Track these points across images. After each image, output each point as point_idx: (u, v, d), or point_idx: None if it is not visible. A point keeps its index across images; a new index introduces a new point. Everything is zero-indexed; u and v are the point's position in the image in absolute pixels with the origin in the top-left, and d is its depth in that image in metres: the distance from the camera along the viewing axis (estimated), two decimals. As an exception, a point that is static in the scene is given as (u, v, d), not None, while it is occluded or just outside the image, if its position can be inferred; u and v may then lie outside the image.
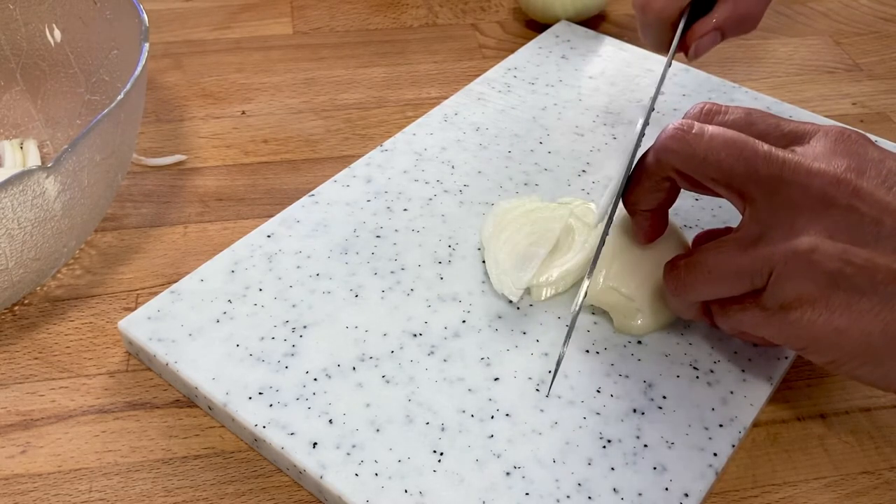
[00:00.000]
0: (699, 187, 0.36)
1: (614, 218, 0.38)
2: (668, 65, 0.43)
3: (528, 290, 0.41)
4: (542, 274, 0.41)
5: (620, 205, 0.38)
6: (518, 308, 0.41)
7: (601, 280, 0.39)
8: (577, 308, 0.38)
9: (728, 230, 0.39)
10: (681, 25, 0.45)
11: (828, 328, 0.31)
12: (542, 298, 0.41)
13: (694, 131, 0.34)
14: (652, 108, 0.40)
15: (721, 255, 0.34)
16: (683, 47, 0.46)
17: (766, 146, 0.33)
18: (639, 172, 0.37)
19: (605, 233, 0.38)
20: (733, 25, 0.46)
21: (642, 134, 0.38)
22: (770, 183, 0.32)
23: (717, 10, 0.45)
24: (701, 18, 0.46)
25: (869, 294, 0.31)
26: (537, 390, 0.37)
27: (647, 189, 0.37)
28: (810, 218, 0.32)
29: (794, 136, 0.34)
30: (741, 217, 0.34)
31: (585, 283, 0.38)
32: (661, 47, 0.48)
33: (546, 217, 0.43)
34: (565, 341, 0.37)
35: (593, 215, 0.44)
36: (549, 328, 0.40)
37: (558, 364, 0.37)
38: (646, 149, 0.37)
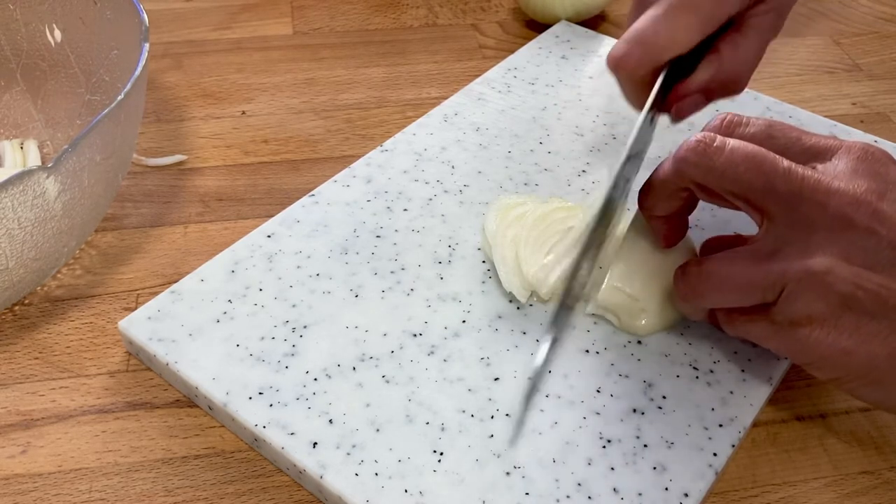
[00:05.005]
0: (717, 199, 0.35)
1: (620, 218, 0.38)
2: (647, 123, 0.39)
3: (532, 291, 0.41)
4: (546, 273, 0.41)
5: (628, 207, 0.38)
6: (518, 308, 0.41)
7: (606, 280, 0.39)
8: (543, 361, 0.32)
9: (738, 238, 0.39)
10: (657, 85, 0.40)
11: (835, 348, 0.32)
12: (547, 299, 0.41)
13: (715, 145, 0.34)
14: (627, 159, 0.37)
15: (734, 267, 0.34)
16: (666, 108, 0.42)
17: (786, 162, 0.33)
18: (657, 180, 0.37)
19: (590, 240, 0.37)
20: (717, 88, 0.41)
21: (613, 186, 0.36)
22: (788, 200, 0.32)
23: (700, 71, 0.41)
24: (683, 80, 0.41)
25: (879, 318, 0.31)
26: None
27: (664, 197, 0.37)
28: (827, 237, 0.31)
29: (815, 152, 0.34)
30: (757, 229, 0.34)
31: (546, 345, 0.32)
32: (638, 105, 0.42)
33: (562, 218, 0.43)
34: (526, 400, 0.31)
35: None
36: (549, 328, 0.40)
37: (519, 425, 0.35)
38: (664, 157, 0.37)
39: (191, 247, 0.46)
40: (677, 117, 0.42)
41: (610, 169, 0.49)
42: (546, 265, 0.41)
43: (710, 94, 0.42)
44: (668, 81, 0.41)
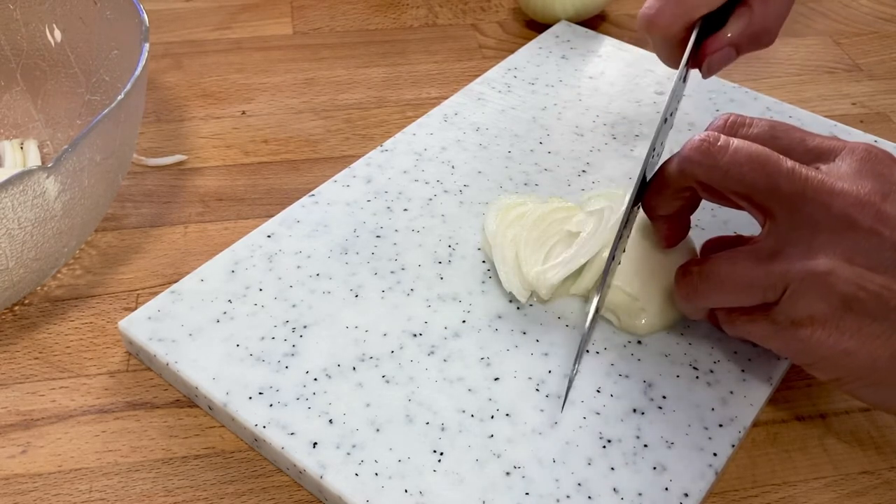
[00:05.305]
0: (720, 198, 0.36)
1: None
2: (680, 80, 0.40)
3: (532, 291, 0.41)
4: (547, 273, 0.41)
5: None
6: (518, 308, 0.41)
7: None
8: (588, 326, 0.38)
9: (738, 238, 0.39)
10: (691, 41, 0.41)
11: (836, 349, 0.32)
12: (547, 299, 0.41)
13: (719, 144, 0.34)
14: (665, 119, 0.39)
15: (736, 266, 0.34)
16: (697, 63, 0.43)
17: (790, 162, 0.33)
18: (660, 179, 0.37)
19: (615, 246, 0.38)
20: (748, 41, 0.42)
21: (652, 147, 0.38)
22: (791, 200, 0.32)
23: (731, 24, 0.42)
24: (714, 34, 0.42)
25: (880, 320, 0.31)
26: (537, 390, 0.37)
27: (667, 196, 0.37)
28: (830, 238, 0.32)
29: (819, 153, 0.34)
30: (760, 229, 0.34)
31: (595, 299, 0.38)
32: (673, 63, 0.45)
33: (562, 218, 0.43)
34: (576, 361, 0.38)
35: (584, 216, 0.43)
36: (549, 328, 0.40)
37: (570, 385, 0.37)
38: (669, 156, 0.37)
39: (191, 247, 0.46)
40: (708, 72, 0.43)
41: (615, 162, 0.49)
42: (567, 266, 0.40)
43: (741, 47, 0.42)
44: (700, 38, 0.42)
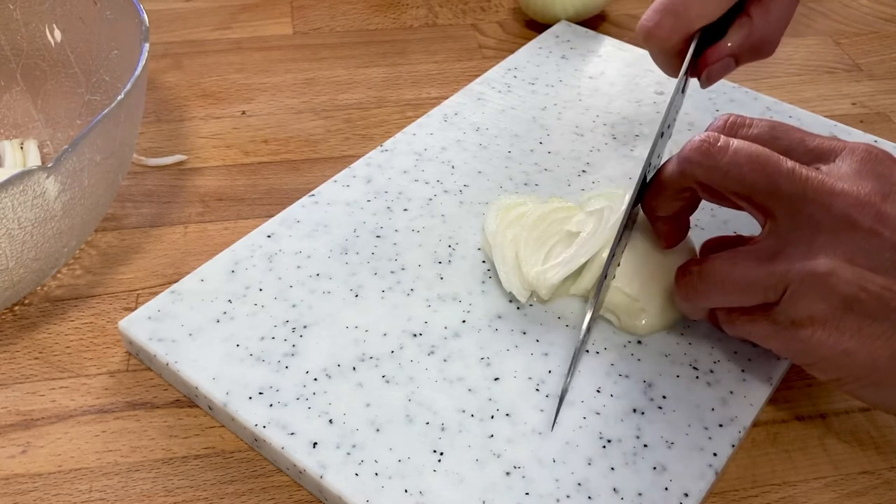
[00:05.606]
0: (720, 199, 0.36)
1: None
2: (678, 91, 0.40)
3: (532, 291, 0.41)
4: (547, 273, 0.41)
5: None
6: (518, 308, 0.41)
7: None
8: (581, 339, 0.38)
9: (738, 238, 0.39)
10: (690, 52, 0.41)
11: (836, 349, 0.32)
12: (547, 299, 0.41)
13: (719, 145, 0.34)
14: (662, 133, 0.39)
15: (736, 266, 0.34)
16: (696, 73, 0.42)
17: (790, 163, 0.33)
18: (660, 180, 0.37)
19: (614, 248, 0.38)
20: (748, 52, 0.42)
21: (649, 163, 0.38)
22: (792, 200, 0.32)
23: (731, 35, 0.41)
24: (714, 44, 0.41)
25: (881, 320, 0.31)
26: (537, 390, 0.37)
27: (667, 197, 0.37)
28: (830, 238, 0.32)
29: (819, 153, 0.34)
30: (761, 229, 0.34)
31: (589, 314, 0.38)
32: (671, 73, 0.44)
33: (562, 218, 0.43)
34: (568, 374, 0.37)
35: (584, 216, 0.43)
36: (549, 328, 0.40)
37: (562, 398, 0.37)
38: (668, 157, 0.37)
39: (191, 247, 0.46)
40: (707, 82, 0.43)
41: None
42: (567, 266, 0.40)
43: (741, 58, 0.42)
44: (700, 47, 0.41)
